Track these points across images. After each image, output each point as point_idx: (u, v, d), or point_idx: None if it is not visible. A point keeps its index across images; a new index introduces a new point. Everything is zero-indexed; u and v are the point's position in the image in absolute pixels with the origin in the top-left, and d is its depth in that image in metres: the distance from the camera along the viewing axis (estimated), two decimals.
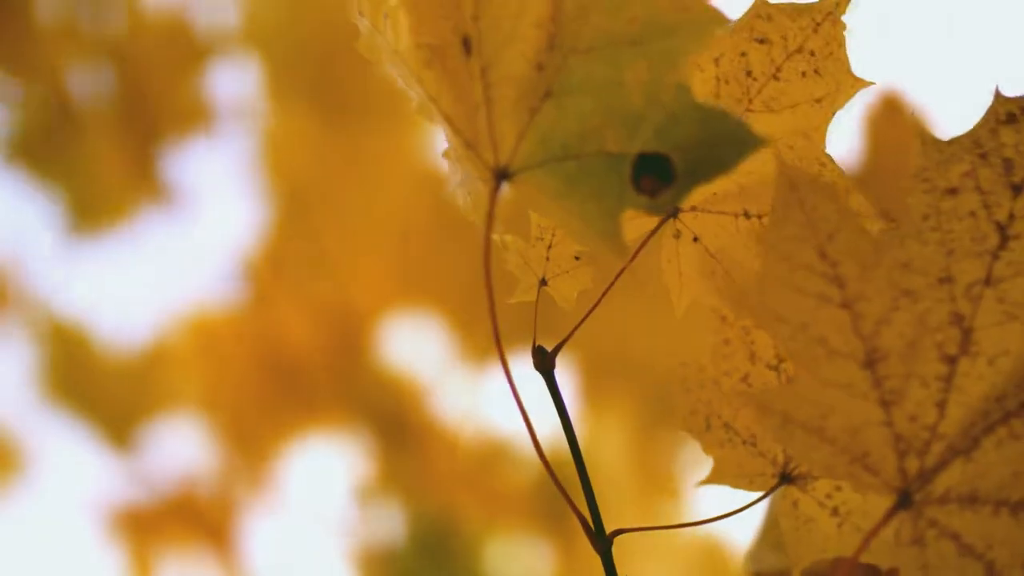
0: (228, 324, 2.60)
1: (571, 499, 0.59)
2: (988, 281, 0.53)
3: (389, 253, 2.53)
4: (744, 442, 0.63)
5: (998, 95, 0.53)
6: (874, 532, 0.54)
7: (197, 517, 2.60)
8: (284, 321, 2.56)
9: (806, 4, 0.60)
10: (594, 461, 2.41)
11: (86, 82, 2.46)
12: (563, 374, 2.36)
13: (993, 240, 0.53)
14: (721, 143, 0.51)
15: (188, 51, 2.47)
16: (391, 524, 2.56)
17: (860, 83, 0.61)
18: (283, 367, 2.57)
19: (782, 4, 0.60)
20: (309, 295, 2.55)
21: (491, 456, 2.55)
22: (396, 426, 2.54)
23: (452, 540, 2.53)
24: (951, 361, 0.53)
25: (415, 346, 2.59)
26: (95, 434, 2.61)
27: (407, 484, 2.55)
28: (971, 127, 0.53)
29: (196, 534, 2.60)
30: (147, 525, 2.60)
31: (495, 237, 0.63)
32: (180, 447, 2.63)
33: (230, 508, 2.60)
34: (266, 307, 2.57)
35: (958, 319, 0.53)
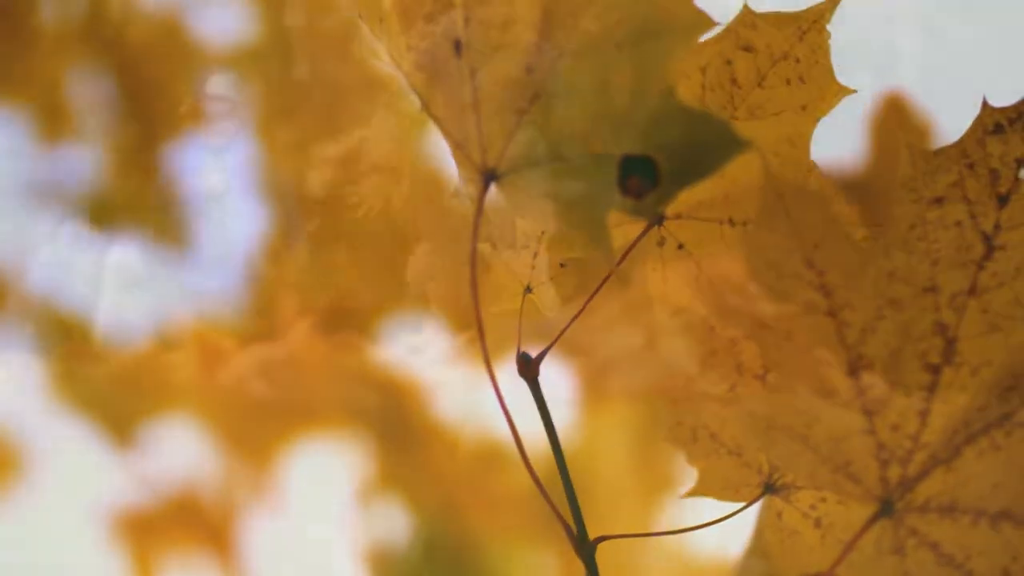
0: (229, 326, 2.59)
1: (555, 505, 0.60)
2: (972, 291, 0.53)
3: (389, 254, 2.52)
4: (730, 452, 0.63)
5: (986, 105, 0.53)
6: (855, 539, 0.54)
7: (199, 519, 2.59)
8: (285, 323, 2.56)
9: (791, 13, 0.61)
10: (597, 465, 2.41)
11: (86, 85, 2.46)
12: (562, 377, 2.36)
13: (978, 250, 0.53)
14: (706, 146, 0.51)
15: (188, 53, 2.47)
16: (392, 525, 2.56)
17: (844, 90, 0.61)
18: (284, 368, 2.57)
19: (767, 13, 0.61)
20: (309, 296, 2.55)
21: (492, 457, 2.55)
22: (397, 428, 2.54)
23: (454, 541, 2.53)
24: (934, 371, 0.53)
25: (415, 347, 2.59)
26: (97, 435, 2.61)
27: (408, 486, 2.55)
28: (959, 138, 0.53)
29: (198, 536, 2.59)
30: (149, 527, 2.60)
31: (481, 246, 0.63)
32: (182, 449, 2.62)
33: (232, 510, 2.60)
34: (267, 309, 2.57)
35: (942, 329, 0.53)
